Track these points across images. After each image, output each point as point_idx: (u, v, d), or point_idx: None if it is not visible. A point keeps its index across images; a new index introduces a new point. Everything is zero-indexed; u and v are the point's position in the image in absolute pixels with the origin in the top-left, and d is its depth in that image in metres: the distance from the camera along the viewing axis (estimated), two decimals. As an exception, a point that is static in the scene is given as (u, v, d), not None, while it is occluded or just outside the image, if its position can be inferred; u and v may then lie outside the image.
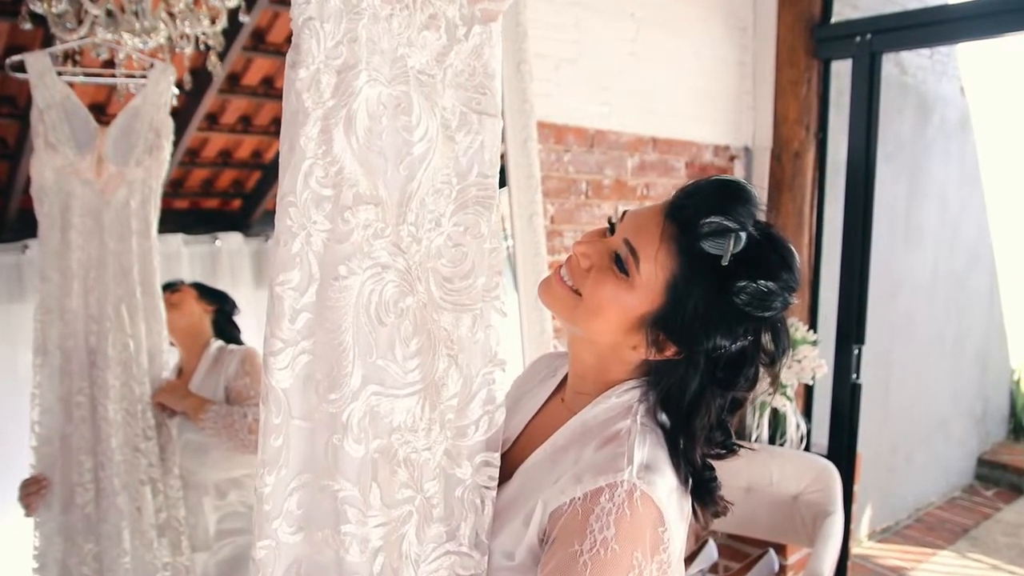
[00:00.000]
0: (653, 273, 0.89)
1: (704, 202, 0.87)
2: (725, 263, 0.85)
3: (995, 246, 5.16)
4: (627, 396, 0.96)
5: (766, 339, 0.92)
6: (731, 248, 0.84)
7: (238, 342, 2.13)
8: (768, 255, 0.87)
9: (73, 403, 1.88)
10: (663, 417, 0.93)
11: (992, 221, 5.09)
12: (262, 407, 0.85)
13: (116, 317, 1.87)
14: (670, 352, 0.91)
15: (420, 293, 0.96)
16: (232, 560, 2.02)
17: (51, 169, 1.86)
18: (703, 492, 0.93)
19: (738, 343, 0.89)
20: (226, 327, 2.13)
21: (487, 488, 1.00)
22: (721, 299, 0.86)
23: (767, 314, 0.87)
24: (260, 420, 0.86)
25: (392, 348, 0.93)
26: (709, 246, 0.85)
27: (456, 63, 0.99)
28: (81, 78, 2.01)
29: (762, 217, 0.90)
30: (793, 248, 0.90)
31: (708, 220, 0.85)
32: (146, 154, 1.90)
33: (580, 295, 0.94)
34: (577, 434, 0.96)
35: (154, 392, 1.93)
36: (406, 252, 0.94)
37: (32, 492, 1.83)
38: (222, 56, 2.46)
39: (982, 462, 5.16)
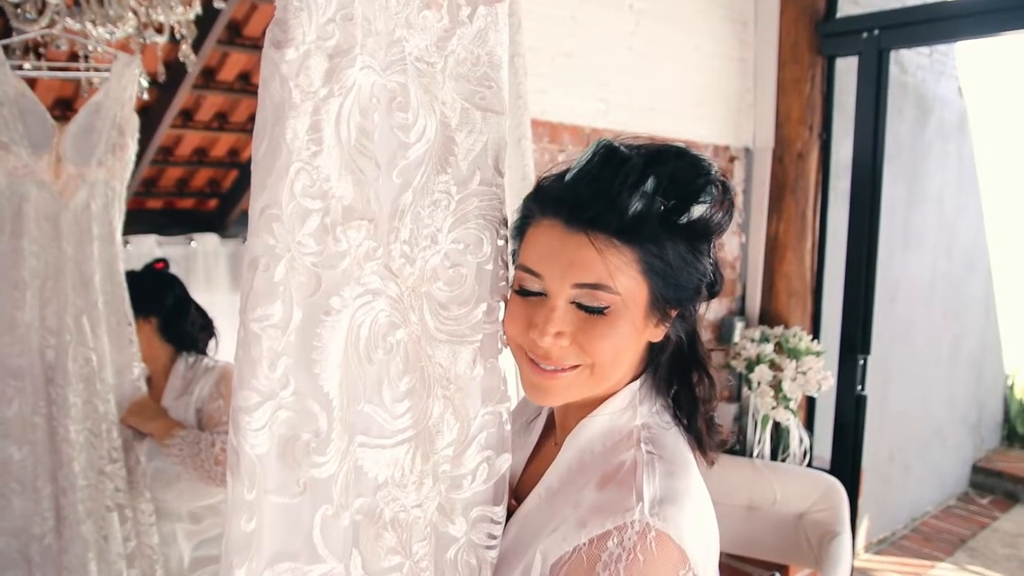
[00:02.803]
0: (626, 278, 0.79)
1: (601, 187, 0.78)
2: (663, 215, 0.78)
3: (991, 251, 5.08)
4: (623, 416, 0.85)
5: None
6: (661, 203, 0.78)
7: (204, 340, 1.96)
8: (682, 177, 0.79)
9: (28, 424, 1.72)
10: (668, 401, 0.87)
11: (989, 225, 5.00)
12: (230, 478, 0.67)
13: (77, 330, 1.71)
14: (675, 312, 0.84)
15: (413, 324, 0.80)
16: (208, 589, 1.88)
17: (3, 171, 1.71)
18: (708, 426, 0.87)
19: (711, 253, 0.84)
20: (189, 333, 1.93)
21: (486, 548, 0.85)
22: (682, 236, 0.79)
23: (727, 219, 0.82)
24: (228, 494, 0.67)
25: (380, 390, 0.77)
26: (639, 212, 0.77)
27: (458, 50, 0.84)
28: (34, 72, 1.84)
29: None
30: (684, 147, 0.83)
31: (621, 199, 0.77)
32: (109, 153, 1.73)
33: (579, 366, 0.82)
34: (573, 471, 0.84)
35: (122, 411, 1.77)
36: (398, 276, 0.78)
37: None
38: (196, 47, 2.30)
39: (977, 469, 5.08)
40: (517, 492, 0.94)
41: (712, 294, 0.87)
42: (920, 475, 4.55)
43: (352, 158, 0.73)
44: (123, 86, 1.73)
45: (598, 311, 0.79)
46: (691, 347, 0.89)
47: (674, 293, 0.81)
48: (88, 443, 1.71)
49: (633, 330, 0.81)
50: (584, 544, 0.74)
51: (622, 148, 0.80)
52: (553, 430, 0.96)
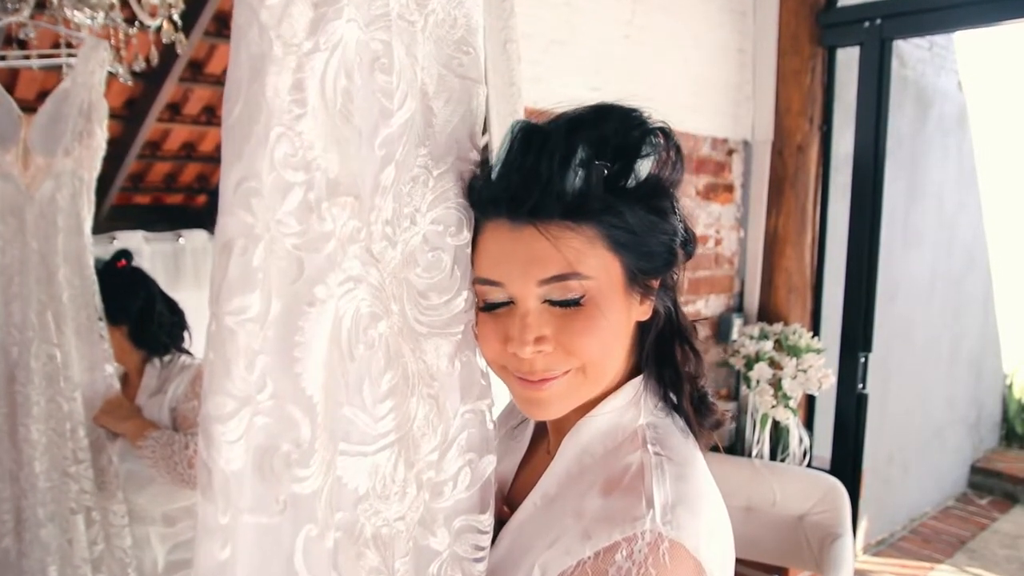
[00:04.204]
0: (593, 258, 0.71)
1: (531, 173, 0.70)
2: (608, 181, 0.71)
3: (991, 249, 5.02)
4: (626, 414, 0.77)
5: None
6: (601, 169, 0.70)
7: (177, 338, 1.87)
8: (614, 136, 0.71)
9: (-12, 426, 1.64)
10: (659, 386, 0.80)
11: (988, 223, 4.95)
12: (201, 499, 0.57)
13: (40, 326, 1.62)
14: (656, 283, 0.77)
15: (394, 315, 0.71)
16: (183, 594, 1.80)
17: None
18: (700, 405, 0.80)
19: (675, 209, 0.76)
20: (158, 337, 1.84)
21: (473, 561, 0.77)
22: (636, 199, 0.72)
23: (678, 168, 0.75)
24: (199, 517, 0.56)
25: (360, 390, 0.68)
26: (579, 187, 0.69)
27: (437, 9, 0.75)
28: (13, 63, 1.76)
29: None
30: (607, 103, 0.74)
31: (555, 179, 0.69)
32: (75, 141, 1.64)
33: (570, 371, 0.74)
34: (572, 476, 0.76)
35: (95, 410, 1.69)
36: (380, 260, 0.69)
37: None
38: (182, 30, 2.22)
39: (975, 470, 5.02)
40: (509, 500, 0.86)
41: (688, 253, 0.80)
42: (919, 475, 4.49)
43: (337, 124, 0.63)
44: (89, 71, 1.65)
45: (574, 303, 0.71)
46: (673, 319, 0.81)
47: (648, 262, 0.74)
48: (51, 443, 1.63)
49: (617, 314, 0.73)
50: (589, 557, 0.66)
51: (539, 125, 0.73)
52: (544, 435, 0.88)
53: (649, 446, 0.74)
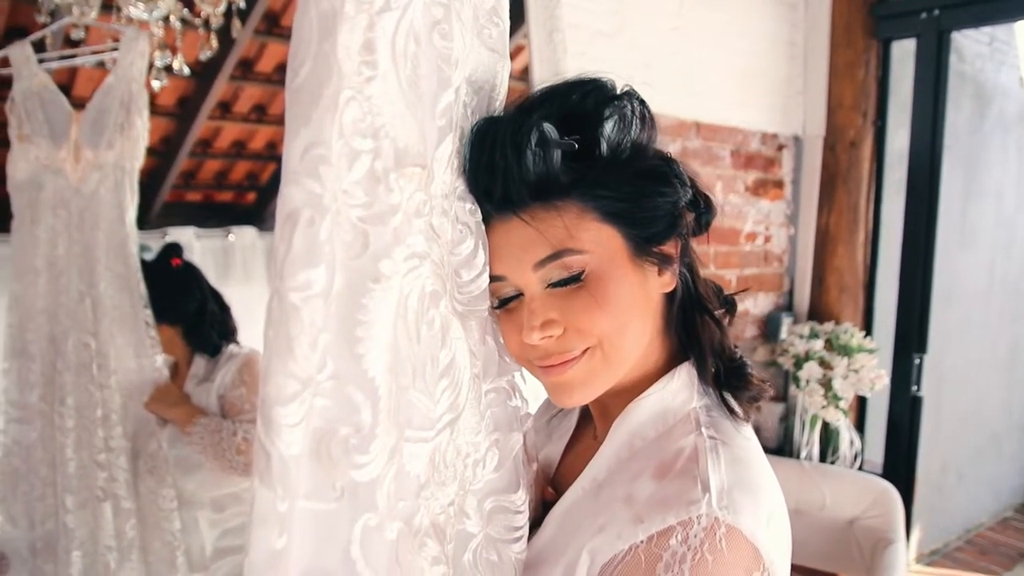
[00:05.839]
0: (586, 230, 0.70)
1: (494, 164, 0.69)
2: (580, 155, 0.70)
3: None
4: (678, 397, 0.75)
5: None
6: (565, 145, 0.69)
7: (227, 337, 1.89)
8: (569, 110, 0.70)
9: (36, 411, 1.69)
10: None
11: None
12: (258, 486, 0.53)
13: (79, 314, 1.66)
14: (670, 250, 0.75)
15: (449, 292, 0.69)
16: (230, 581, 1.84)
17: (25, 161, 1.71)
18: (734, 377, 0.77)
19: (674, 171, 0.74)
20: (210, 338, 1.86)
21: (508, 542, 0.75)
22: (618, 166, 0.71)
23: (650, 129, 0.74)
24: (255, 504, 0.53)
25: (424, 373, 0.65)
26: (542, 169, 0.69)
27: None
28: (62, 62, 1.81)
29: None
30: (564, 80, 0.73)
31: (515, 166, 0.68)
32: (117, 133, 1.67)
33: (588, 349, 0.72)
34: (622, 460, 0.74)
35: (145, 396, 1.72)
36: (440, 236, 0.67)
37: None
38: (232, 37, 2.25)
39: (1034, 480, 4.85)
40: (554, 486, 0.85)
41: (701, 215, 0.78)
42: (974, 484, 4.35)
43: (405, 89, 0.60)
44: (129, 61, 1.68)
45: (575, 280, 0.70)
46: (690, 289, 0.79)
47: (647, 227, 0.72)
48: (82, 430, 1.66)
49: (628, 286, 0.71)
50: (642, 542, 0.64)
51: (493, 118, 0.72)
52: (590, 422, 0.86)
53: (703, 429, 0.71)
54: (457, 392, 0.70)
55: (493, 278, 0.73)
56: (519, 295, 0.73)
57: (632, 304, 0.72)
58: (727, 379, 0.76)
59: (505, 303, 0.75)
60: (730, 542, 0.62)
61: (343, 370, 0.56)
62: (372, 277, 0.58)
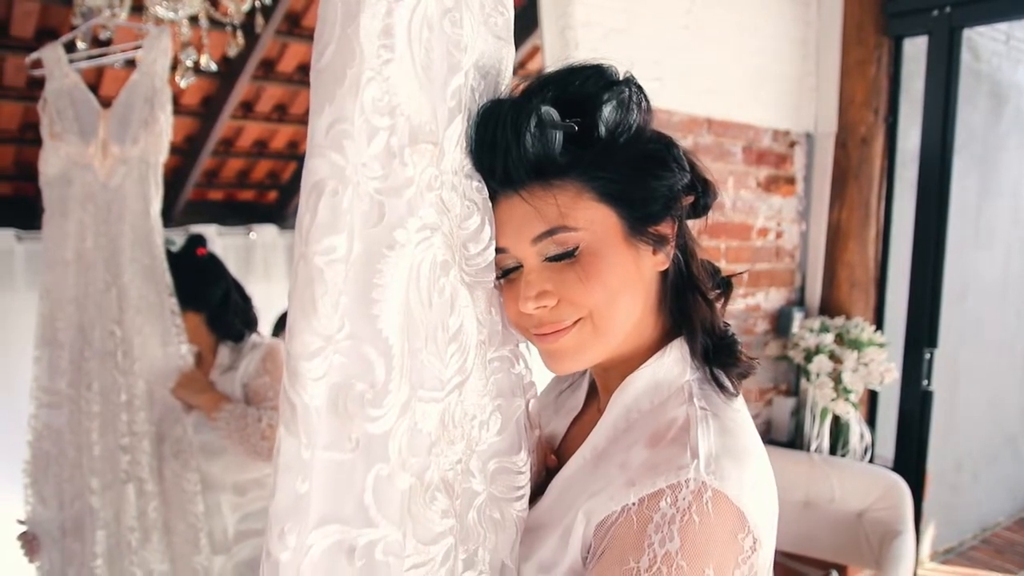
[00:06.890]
0: (582, 210, 0.74)
1: (496, 143, 0.73)
2: (578, 137, 0.73)
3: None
4: (672, 370, 0.79)
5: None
6: (565, 127, 0.73)
7: (249, 326, 1.96)
8: (576, 91, 0.74)
9: (65, 397, 1.75)
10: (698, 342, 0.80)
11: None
12: (284, 435, 0.60)
13: (104, 303, 1.72)
14: (665, 230, 0.78)
15: (458, 263, 0.75)
16: (251, 562, 1.89)
17: (56, 158, 1.78)
18: (723, 353, 0.80)
19: (672, 153, 0.78)
20: (234, 325, 1.93)
21: (511, 500, 0.79)
22: (616, 148, 0.75)
23: (641, 112, 0.77)
24: (280, 452, 0.60)
25: (436, 337, 0.71)
26: (540, 150, 0.73)
27: None
28: (92, 61, 1.88)
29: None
30: (565, 66, 0.77)
31: (515, 146, 0.72)
32: (141, 129, 1.74)
33: (579, 320, 0.77)
34: (619, 430, 0.79)
35: (171, 383, 1.80)
36: (450, 210, 0.72)
37: (28, 543, 1.84)
38: (255, 38, 2.31)
39: (1052, 481, 4.81)
40: (559, 455, 0.89)
41: (698, 196, 0.81)
42: (990, 484, 4.33)
43: (419, 72, 0.66)
44: (153, 58, 1.74)
45: (569, 255, 0.75)
46: (682, 268, 0.83)
47: (643, 208, 0.76)
48: (107, 414, 1.73)
49: (621, 264, 0.76)
50: (633, 504, 0.68)
51: (497, 100, 0.76)
52: (596, 396, 0.90)
53: (695, 400, 0.75)
54: (465, 356, 0.75)
55: (497, 250, 0.77)
56: (520, 266, 0.78)
57: (624, 280, 0.76)
58: (717, 355, 0.80)
59: (507, 273, 0.79)
60: (716, 505, 0.66)
61: (359, 330, 0.62)
62: (387, 244, 0.64)
